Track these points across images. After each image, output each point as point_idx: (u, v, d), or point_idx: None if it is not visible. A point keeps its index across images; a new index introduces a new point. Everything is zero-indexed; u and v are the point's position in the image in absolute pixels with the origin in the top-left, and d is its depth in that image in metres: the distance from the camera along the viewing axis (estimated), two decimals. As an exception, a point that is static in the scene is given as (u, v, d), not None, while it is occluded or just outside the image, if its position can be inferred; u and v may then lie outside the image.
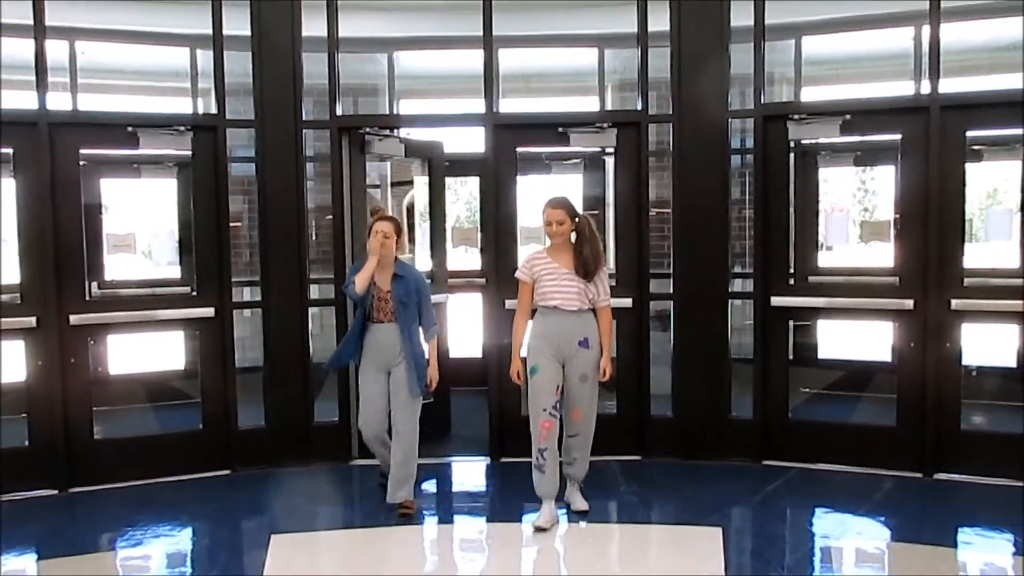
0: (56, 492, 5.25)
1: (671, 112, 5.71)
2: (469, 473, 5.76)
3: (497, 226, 5.79)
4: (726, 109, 5.65)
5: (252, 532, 4.83)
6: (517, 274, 4.74)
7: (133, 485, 5.33)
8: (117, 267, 7.37)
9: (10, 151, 5.19)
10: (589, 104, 7.63)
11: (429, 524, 4.84)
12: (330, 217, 5.85)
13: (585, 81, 7.76)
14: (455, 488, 5.58)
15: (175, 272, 7.27)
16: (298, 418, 5.70)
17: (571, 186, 7.83)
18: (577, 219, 4.61)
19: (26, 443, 5.26)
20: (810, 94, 7.23)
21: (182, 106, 7.31)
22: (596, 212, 7.13)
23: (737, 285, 6.23)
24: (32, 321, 5.17)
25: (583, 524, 4.66)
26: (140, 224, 7.95)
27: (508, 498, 5.15)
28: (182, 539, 4.69)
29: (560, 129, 5.85)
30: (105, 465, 5.35)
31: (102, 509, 5.03)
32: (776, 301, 5.62)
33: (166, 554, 4.48)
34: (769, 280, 5.66)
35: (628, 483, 5.33)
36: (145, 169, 7.28)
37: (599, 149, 6.57)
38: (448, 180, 6.75)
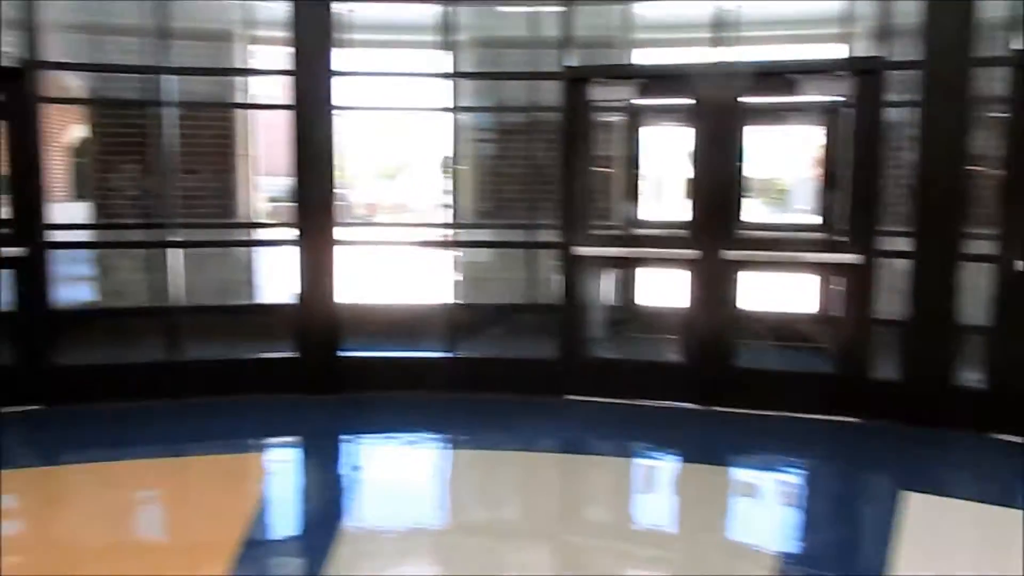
0: (698, 407, 5.82)
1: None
2: None
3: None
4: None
5: (878, 484, 4.86)
6: None
7: (769, 414, 5.66)
8: (751, 211, 7.83)
9: (692, 102, 5.74)
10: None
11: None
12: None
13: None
14: None
15: (814, 218, 7.42)
16: (935, 377, 5.43)
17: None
18: None
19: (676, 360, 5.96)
20: None
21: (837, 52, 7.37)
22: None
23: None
24: (697, 254, 5.75)
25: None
26: (781, 170, 8.35)
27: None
28: (804, 474, 4.91)
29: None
30: (741, 391, 5.79)
31: (740, 432, 5.49)
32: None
33: (782, 483, 4.78)
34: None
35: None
36: (789, 116, 7.53)
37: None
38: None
